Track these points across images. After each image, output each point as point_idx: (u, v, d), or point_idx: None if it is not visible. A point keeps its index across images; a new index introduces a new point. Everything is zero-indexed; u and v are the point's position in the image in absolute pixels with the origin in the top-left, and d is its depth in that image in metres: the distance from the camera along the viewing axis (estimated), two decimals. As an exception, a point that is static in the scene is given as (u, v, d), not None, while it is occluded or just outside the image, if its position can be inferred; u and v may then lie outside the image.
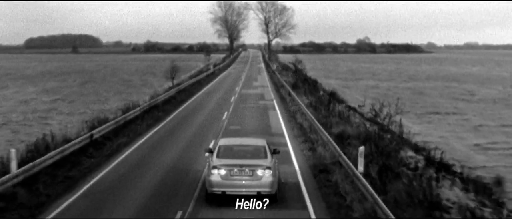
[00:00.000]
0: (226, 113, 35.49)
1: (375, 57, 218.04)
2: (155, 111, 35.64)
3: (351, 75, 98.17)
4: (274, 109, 38.92)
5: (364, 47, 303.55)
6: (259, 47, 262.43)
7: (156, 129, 29.21)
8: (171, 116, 34.48)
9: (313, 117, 27.92)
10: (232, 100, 44.64)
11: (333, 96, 41.65)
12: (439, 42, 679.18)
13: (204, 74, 75.08)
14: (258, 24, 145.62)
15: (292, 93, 42.84)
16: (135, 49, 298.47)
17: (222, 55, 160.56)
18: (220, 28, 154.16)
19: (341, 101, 41.63)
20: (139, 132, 28.07)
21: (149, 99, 40.47)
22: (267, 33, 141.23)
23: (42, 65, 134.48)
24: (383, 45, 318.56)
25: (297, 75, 50.07)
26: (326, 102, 35.99)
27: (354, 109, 36.55)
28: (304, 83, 48.65)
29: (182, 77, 71.88)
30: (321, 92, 46.47)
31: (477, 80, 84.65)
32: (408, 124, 33.04)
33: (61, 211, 14.77)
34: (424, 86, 72.60)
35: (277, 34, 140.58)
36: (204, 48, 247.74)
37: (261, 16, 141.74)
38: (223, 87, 58.20)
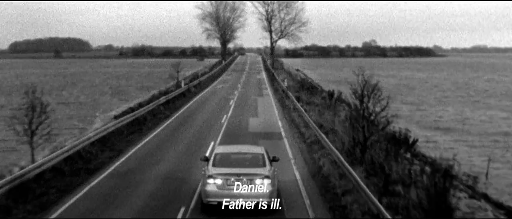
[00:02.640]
0: None
1: (389, 62, 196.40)
2: None
3: (413, 95, 66.07)
4: None
5: (373, 51, 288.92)
6: (258, 50, 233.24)
7: None
8: None
9: None
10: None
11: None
12: (446, 44, 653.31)
13: (172, 94, 44.90)
14: (258, 20, 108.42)
15: None
16: (122, 53, 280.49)
17: (217, 60, 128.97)
18: (209, 27, 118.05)
19: None
20: None
21: None
22: (270, 31, 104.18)
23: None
24: (393, 49, 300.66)
25: (358, 120, 17.77)
26: None
27: None
28: (389, 153, 17.11)
29: (121, 107, 42.28)
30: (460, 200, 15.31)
31: None
32: None
33: None
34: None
35: (283, 33, 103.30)
36: (198, 52, 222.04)
37: (262, 10, 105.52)
38: (184, 139, 27.35)
